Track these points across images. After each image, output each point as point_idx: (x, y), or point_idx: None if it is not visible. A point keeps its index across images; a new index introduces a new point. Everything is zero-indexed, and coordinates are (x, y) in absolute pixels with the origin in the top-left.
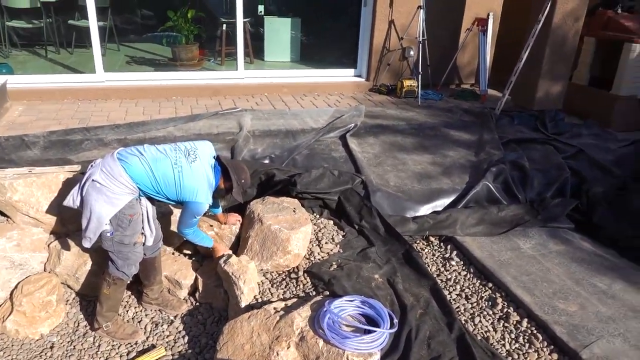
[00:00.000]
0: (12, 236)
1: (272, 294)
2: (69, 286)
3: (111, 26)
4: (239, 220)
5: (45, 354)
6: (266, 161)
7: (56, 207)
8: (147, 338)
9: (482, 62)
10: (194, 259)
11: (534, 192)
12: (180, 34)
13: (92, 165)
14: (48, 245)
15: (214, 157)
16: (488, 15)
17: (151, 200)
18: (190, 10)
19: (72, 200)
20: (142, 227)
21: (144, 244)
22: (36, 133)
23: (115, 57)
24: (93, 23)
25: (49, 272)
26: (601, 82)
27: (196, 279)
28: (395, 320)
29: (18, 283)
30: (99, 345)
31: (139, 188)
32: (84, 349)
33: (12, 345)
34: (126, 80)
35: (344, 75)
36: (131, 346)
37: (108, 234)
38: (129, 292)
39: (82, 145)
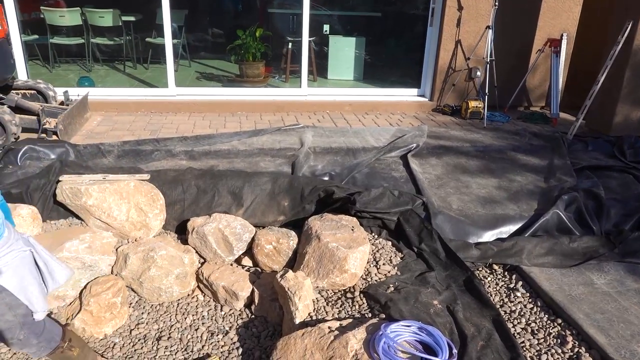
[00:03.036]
0: (84, 238)
1: (326, 313)
2: (132, 289)
3: (184, 44)
4: None
5: (108, 353)
6: (326, 178)
7: (125, 213)
8: (202, 347)
9: (554, 85)
10: (251, 271)
11: (611, 224)
12: (248, 51)
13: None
14: (116, 249)
15: None
16: (561, 36)
17: None
18: (258, 29)
19: None
20: None
21: None
22: (111, 142)
23: (186, 72)
24: (168, 41)
25: (116, 275)
26: None
27: (253, 291)
28: (455, 351)
29: (87, 283)
30: (157, 350)
31: None
32: (143, 352)
33: None
34: (195, 95)
35: (407, 95)
36: (187, 353)
37: None
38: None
39: (152, 155)
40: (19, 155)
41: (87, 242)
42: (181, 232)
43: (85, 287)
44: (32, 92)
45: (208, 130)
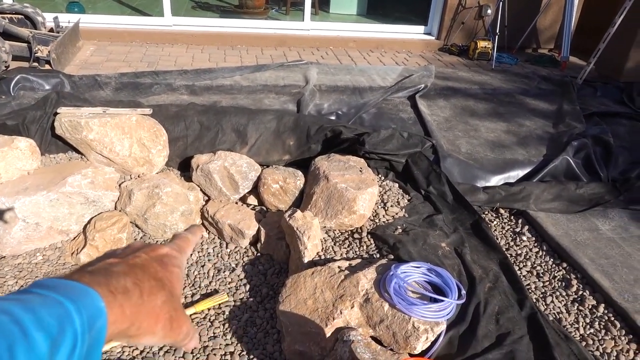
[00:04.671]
0: (86, 173)
1: (334, 252)
2: (137, 226)
3: None
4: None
5: None
6: (332, 117)
7: (128, 148)
8: (209, 283)
9: (567, 26)
10: (257, 210)
11: (618, 171)
12: None
13: None
14: (119, 185)
15: None
16: None
17: None
18: None
19: None
20: None
21: None
22: (108, 74)
23: (180, 1)
24: None
25: (120, 211)
26: None
27: (259, 229)
28: (463, 292)
29: (91, 219)
30: None
31: None
32: None
33: None
34: (193, 25)
35: (413, 32)
36: (195, 289)
37: None
38: None
39: (151, 89)
40: (12, 85)
41: (89, 177)
42: (184, 169)
43: (89, 222)
44: (19, 16)
45: (208, 63)
